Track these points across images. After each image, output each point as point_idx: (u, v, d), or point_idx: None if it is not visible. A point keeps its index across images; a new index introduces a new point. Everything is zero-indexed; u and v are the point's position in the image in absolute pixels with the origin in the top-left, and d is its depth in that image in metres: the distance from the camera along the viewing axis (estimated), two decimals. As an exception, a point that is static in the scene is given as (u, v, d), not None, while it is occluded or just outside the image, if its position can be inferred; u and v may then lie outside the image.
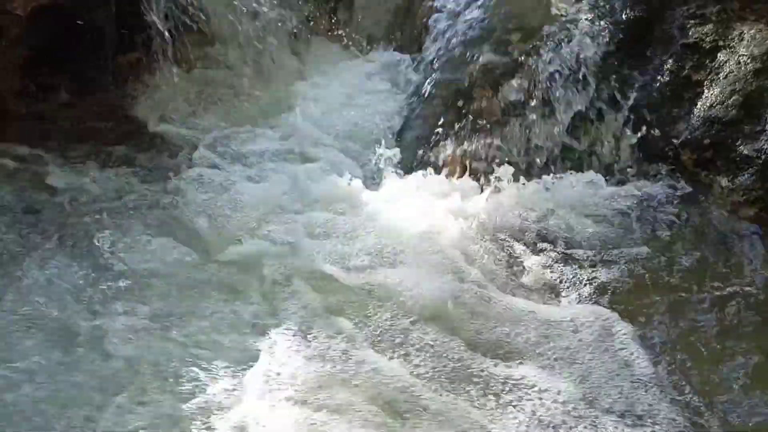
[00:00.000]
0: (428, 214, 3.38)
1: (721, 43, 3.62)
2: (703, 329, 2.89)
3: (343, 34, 4.59)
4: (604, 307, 2.95)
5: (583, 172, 3.60)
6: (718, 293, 3.05)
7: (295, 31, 4.38)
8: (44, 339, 2.57)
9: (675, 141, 3.57)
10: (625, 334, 2.82)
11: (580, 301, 3.01)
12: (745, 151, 3.41)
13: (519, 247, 3.26)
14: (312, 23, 4.64)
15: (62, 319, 2.66)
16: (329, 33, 4.61)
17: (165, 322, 2.69)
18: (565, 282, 3.11)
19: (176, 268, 2.96)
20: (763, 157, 3.37)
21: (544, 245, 3.26)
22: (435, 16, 4.23)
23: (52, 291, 2.78)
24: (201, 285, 2.89)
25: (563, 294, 3.05)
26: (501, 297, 2.95)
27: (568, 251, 3.23)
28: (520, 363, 2.66)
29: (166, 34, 3.81)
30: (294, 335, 2.68)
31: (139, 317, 2.69)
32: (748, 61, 3.52)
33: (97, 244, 3.04)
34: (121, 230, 3.14)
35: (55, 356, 2.51)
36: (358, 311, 2.82)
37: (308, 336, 2.68)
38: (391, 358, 2.63)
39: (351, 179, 3.54)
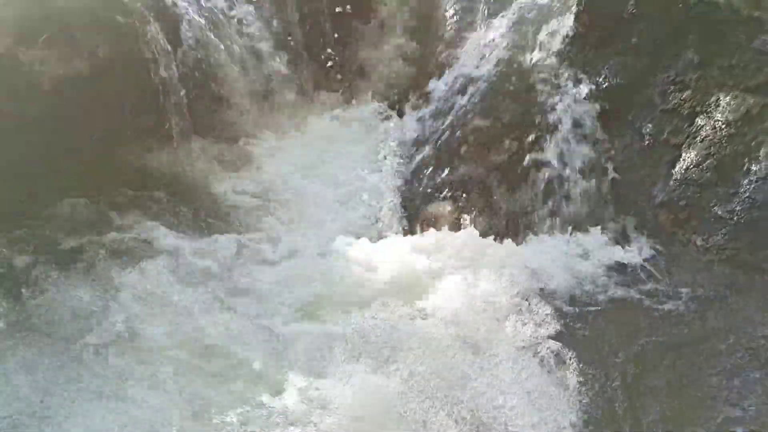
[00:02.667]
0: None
1: (698, 108, 3.83)
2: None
3: (349, 93, 4.87)
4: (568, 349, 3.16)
5: (564, 231, 3.80)
6: (689, 346, 3.24)
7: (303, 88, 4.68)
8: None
9: (653, 201, 3.77)
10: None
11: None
12: (719, 212, 3.61)
13: (501, 301, 3.46)
14: (319, 81, 4.92)
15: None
16: (335, 90, 4.88)
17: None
18: (540, 332, 3.30)
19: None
20: (735, 218, 3.56)
21: (524, 301, 3.46)
22: (434, 83, 4.50)
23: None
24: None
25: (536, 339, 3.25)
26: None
27: (545, 305, 3.42)
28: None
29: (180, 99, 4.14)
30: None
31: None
32: (723, 126, 3.72)
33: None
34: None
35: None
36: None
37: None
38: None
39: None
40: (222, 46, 4.34)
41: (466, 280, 3.54)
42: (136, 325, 3.23)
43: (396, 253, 3.65)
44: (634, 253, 3.74)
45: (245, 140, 4.53)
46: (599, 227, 3.85)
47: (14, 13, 3.84)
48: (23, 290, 3.40)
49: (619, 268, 3.67)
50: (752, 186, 3.55)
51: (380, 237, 3.92)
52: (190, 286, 3.45)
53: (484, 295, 3.43)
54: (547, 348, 3.26)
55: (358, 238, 3.83)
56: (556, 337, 3.32)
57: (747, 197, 3.54)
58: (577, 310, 3.46)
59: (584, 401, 3.04)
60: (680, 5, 3.98)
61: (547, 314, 3.41)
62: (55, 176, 3.94)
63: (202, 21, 4.31)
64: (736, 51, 3.84)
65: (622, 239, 3.79)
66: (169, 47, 4.14)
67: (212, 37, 4.30)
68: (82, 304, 3.34)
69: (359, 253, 3.68)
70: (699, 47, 3.91)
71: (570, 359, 3.22)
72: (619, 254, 3.73)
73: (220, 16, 4.48)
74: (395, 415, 2.87)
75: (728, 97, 3.77)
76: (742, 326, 3.33)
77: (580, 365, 3.19)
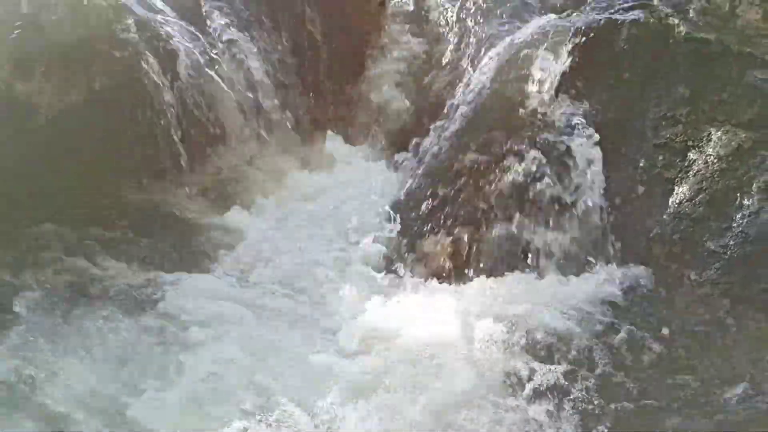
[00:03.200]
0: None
1: (690, 143, 3.86)
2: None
3: (345, 130, 4.90)
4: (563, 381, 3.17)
5: (560, 264, 3.81)
6: (680, 380, 3.22)
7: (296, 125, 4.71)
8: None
9: (647, 235, 3.78)
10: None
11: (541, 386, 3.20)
12: (713, 247, 3.62)
13: (493, 334, 3.44)
14: (315, 117, 4.94)
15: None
16: (330, 128, 4.91)
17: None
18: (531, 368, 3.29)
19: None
20: (728, 252, 3.56)
21: (516, 336, 3.44)
22: (430, 118, 4.53)
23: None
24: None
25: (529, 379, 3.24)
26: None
27: (537, 340, 3.41)
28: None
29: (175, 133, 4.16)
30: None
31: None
32: (715, 160, 3.75)
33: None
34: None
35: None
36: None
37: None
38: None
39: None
40: (218, 80, 4.37)
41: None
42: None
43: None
44: (628, 286, 3.73)
45: (238, 177, 4.52)
46: (594, 260, 3.84)
47: (12, 46, 3.89)
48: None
49: (614, 301, 3.66)
50: (745, 220, 3.56)
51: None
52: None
53: (481, 332, 3.42)
54: (542, 381, 3.25)
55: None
56: (551, 369, 3.30)
57: (740, 232, 3.55)
58: (571, 343, 3.44)
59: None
60: (671, 41, 4.03)
61: (541, 346, 3.41)
62: (45, 204, 3.94)
63: (199, 55, 4.34)
64: (727, 86, 3.89)
65: (616, 272, 3.78)
66: (165, 81, 4.17)
67: (208, 71, 4.32)
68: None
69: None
70: (690, 82, 3.96)
71: (562, 392, 3.20)
72: (613, 287, 3.72)
73: (217, 51, 4.52)
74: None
75: (719, 132, 3.81)
76: (736, 360, 3.32)
77: (572, 398, 3.17)
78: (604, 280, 3.78)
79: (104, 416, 2.92)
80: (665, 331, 3.49)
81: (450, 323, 3.49)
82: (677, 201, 3.78)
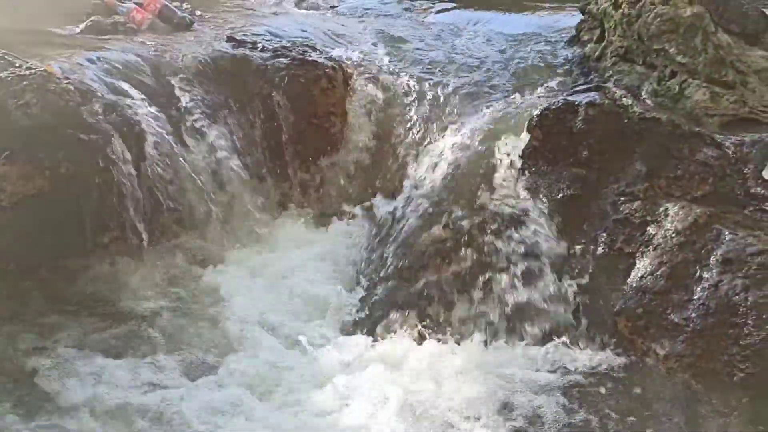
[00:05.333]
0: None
1: (649, 218, 3.96)
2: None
3: (309, 210, 4.96)
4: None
5: (522, 339, 3.84)
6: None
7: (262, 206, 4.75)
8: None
9: (612, 309, 3.83)
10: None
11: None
12: (675, 320, 3.67)
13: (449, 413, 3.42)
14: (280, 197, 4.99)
15: None
16: (295, 208, 4.96)
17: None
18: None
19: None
20: (691, 325, 3.62)
21: (474, 412, 3.43)
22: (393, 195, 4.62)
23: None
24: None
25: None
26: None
27: (499, 418, 3.39)
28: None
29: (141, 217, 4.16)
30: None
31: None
32: (673, 235, 3.85)
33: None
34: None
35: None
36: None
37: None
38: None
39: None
40: (185, 162, 4.40)
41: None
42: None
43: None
44: (594, 362, 3.76)
45: (205, 262, 4.50)
46: (558, 336, 3.87)
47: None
48: None
49: (579, 377, 3.67)
50: (705, 293, 3.64)
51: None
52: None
53: (442, 408, 3.41)
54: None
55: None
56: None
57: (701, 304, 3.62)
58: (535, 421, 3.43)
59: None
60: (626, 120, 4.20)
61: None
62: (6, 293, 3.89)
63: (166, 135, 4.39)
64: (680, 163, 4.03)
65: (581, 348, 3.81)
66: (132, 163, 4.19)
67: (175, 153, 4.36)
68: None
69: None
70: (646, 159, 4.10)
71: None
72: (579, 363, 3.75)
73: (184, 133, 4.57)
74: None
75: (676, 207, 3.92)
76: (706, 434, 3.34)
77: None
78: (569, 356, 3.80)
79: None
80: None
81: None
82: (639, 275, 3.85)
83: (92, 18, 5.50)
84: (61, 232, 4.07)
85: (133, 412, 3.36)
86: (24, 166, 3.93)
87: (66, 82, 4.12)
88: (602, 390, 3.63)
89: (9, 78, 3.96)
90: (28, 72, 4.00)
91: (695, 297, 3.65)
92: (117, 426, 3.29)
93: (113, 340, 3.86)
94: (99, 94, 4.27)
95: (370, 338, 4.03)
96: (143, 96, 4.54)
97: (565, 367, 3.73)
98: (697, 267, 3.72)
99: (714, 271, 3.66)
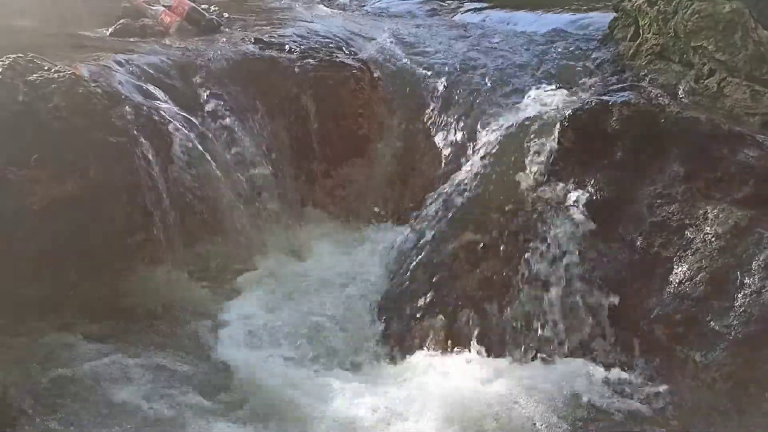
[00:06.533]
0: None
1: (687, 221, 3.84)
2: None
3: (337, 213, 4.89)
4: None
5: (557, 349, 3.73)
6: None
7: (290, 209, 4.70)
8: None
9: (649, 316, 3.71)
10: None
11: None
12: (716, 327, 3.55)
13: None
14: (307, 198, 4.94)
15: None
16: (323, 211, 4.90)
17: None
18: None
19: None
20: (733, 333, 3.49)
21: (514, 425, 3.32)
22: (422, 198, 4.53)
23: None
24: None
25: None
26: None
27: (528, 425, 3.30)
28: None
29: (169, 220, 4.13)
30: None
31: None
32: (713, 239, 3.72)
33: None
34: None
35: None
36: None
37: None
38: None
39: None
40: (212, 165, 4.37)
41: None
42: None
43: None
44: (630, 371, 3.64)
45: (233, 266, 4.45)
46: (594, 343, 3.76)
47: (7, 133, 3.89)
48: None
49: (617, 387, 3.56)
50: (747, 300, 3.51)
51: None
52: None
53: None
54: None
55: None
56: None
57: (743, 311, 3.50)
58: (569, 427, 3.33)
59: None
60: (662, 120, 4.07)
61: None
62: (38, 297, 3.88)
63: (194, 140, 4.36)
64: (720, 164, 3.90)
65: (617, 356, 3.70)
66: (160, 166, 4.17)
67: (202, 156, 4.33)
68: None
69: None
70: (683, 161, 3.98)
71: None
72: (615, 372, 3.63)
73: (212, 133, 4.54)
74: None
75: (716, 210, 3.80)
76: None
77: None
78: (605, 363, 3.69)
79: None
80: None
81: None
82: (677, 280, 3.73)
83: (121, 21, 5.51)
84: (89, 235, 4.05)
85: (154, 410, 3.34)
86: (54, 169, 3.92)
87: (94, 85, 4.11)
88: (638, 399, 3.51)
89: (38, 81, 3.96)
90: (56, 75, 3.99)
91: (737, 304, 3.53)
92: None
93: (140, 343, 3.82)
94: (127, 97, 4.26)
95: (399, 349, 3.94)
96: (171, 99, 4.52)
97: (599, 377, 3.60)
98: (739, 272, 3.60)
99: (756, 276, 3.53)
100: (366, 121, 5.16)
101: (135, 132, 4.13)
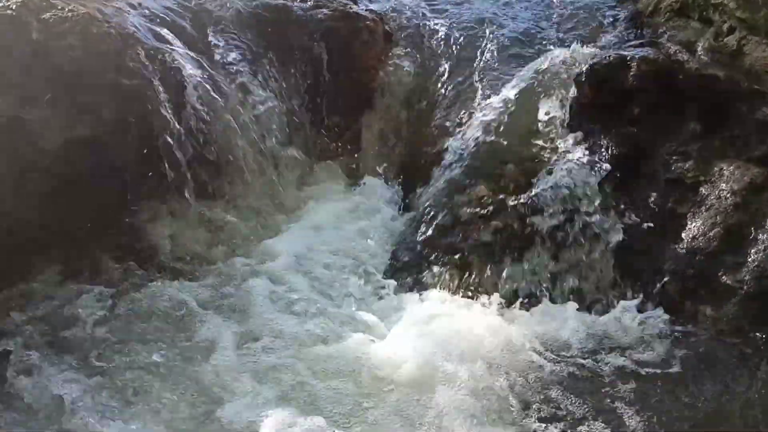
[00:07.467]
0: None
1: (702, 178, 3.83)
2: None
3: (348, 164, 4.87)
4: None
5: (569, 300, 3.74)
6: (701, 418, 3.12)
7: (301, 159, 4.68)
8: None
9: (661, 270, 3.72)
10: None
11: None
12: (728, 282, 3.57)
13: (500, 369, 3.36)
14: (320, 150, 4.91)
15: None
16: (335, 162, 4.88)
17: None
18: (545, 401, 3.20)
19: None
20: (744, 287, 3.52)
21: (525, 372, 3.36)
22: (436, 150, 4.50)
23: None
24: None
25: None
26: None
27: (548, 374, 3.33)
28: None
29: (183, 164, 4.10)
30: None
31: None
32: (728, 195, 3.72)
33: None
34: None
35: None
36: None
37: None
38: None
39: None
40: (226, 110, 4.33)
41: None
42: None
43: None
44: (640, 323, 3.66)
45: (247, 213, 4.45)
46: (606, 296, 3.78)
47: (20, 73, 3.84)
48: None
49: (625, 338, 3.58)
50: (760, 255, 3.53)
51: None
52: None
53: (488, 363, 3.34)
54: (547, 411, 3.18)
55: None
56: (559, 407, 3.22)
57: (756, 266, 3.51)
58: (578, 380, 3.36)
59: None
60: (680, 77, 4.05)
61: (548, 384, 3.32)
62: (49, 239, 3.87)
63: (206, 84, 4.31)
64: (737, 122, 3.89)
65: (627, 309, 3.71)
66: (173, 110, 4.12)
67: (216, 99, 4.29)
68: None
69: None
70: (700, 118, 3.96)
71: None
72: (625, 324, 3.65)
73: (224, 80, 4.49)
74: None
75: (732, 167, 3.79)
76: (752, 401, 3.24)
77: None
78: (616, 316, 3.71)
79: None
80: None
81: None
82: (691, 236, 3.74)
83: (132, -36, 5.40)
84: (102, 178, 4.02)
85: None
86: (66, 109, 3.87)
87: (107, 26, 4.05)
88: (647, 352, 3.54)
89: (51, 20, 3.89)
90: (70, 14, 3.93)
91: (750, 259, 3.54)
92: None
93: (154, 284, 3.82)
94: (140, 39, 4.18)
95: (405, 293, 3.96)
96: (184, 43, 4.45)
97: (610, 328, 3.63)
98: (752, 229, 3.61)
99: (770, 233, 3.54)
100: (378, 73, 5.10)
101: (148, 75, 4.07)
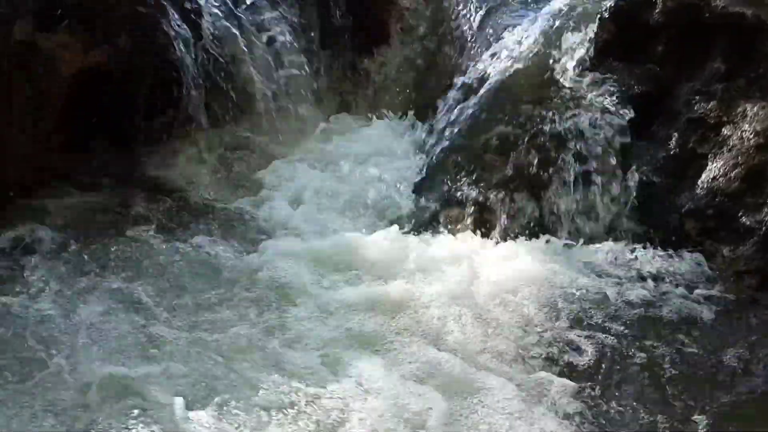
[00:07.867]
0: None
1: (725, 118, 3.78)
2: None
3: (362, 102, 4.83)
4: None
5: (586, 237, 3.74)
6: (714, 359, 3.14)
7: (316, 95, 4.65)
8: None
9: (680, 210, 3.71)
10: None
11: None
12: (748, 222, 3.54)
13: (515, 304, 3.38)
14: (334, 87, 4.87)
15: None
16: (349, 100, 4.84)
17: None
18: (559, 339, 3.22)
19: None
20: (764, 228, 3.49)
21: (539, 306, 3.37)
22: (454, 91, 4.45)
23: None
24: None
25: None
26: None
27: (564, 312, 3.34)
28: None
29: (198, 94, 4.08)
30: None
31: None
32: (751, 136, 3.67)
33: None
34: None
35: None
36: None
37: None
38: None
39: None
40: (242, 42, 4.28)
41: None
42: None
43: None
44: (657, 263, 3.66)
45: (260, 142, 4.44)
46: (623, 235, 3.77)
47: (35, 1, 3.78)
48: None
49: (643, 277, 3.58)
50: (782, 196, 3.50)
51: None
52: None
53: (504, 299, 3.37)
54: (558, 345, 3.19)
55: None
56: (572, 345, 3.24)
57: (777, 207, 3.49)
58: (594, 318, 3.36)
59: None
60: (706, 15, 3.96)
61: (565, 322, 3.32)
62: (64, 166, 3.87)
63: (223, 15, 4.25)
64: (763, 62, 3.81)
65: (644, 248, 3.71)
66: (190, 40, 4.07)
67: (233, 31, 4.23)
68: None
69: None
70: (725, 58, 3.88)
71: (584, 366, 3.12)
72: (643, 263, 3.65)
73: (242, 14, 4.43)
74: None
75: (756, 108, 3.73)
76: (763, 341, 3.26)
77: (592, 370, 3.09)
78: (631, 255, 3.71)
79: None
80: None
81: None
82: (711, 176, 3.71)
83: None
84: (117, 108, 4.00)
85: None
86: (82, 37, 3.83)
87: (123, -49, 3.97)
88: (664, 291, 3.53)
89: (68, -54, 3.82)
90: (89, -59, 3.85)
91: (770, 200, 3.51)
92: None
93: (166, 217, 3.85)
94: (156, -34, 4.11)
95: (425, 233, 3.95)
96: (200, -27, 4.37)
97: (628, 267, 3.62)
98: (776, 170, 3.57)
99: (793, 173, 3.51)
100: (394, 8, 5.03)
101: (165, 3, 4.01)
